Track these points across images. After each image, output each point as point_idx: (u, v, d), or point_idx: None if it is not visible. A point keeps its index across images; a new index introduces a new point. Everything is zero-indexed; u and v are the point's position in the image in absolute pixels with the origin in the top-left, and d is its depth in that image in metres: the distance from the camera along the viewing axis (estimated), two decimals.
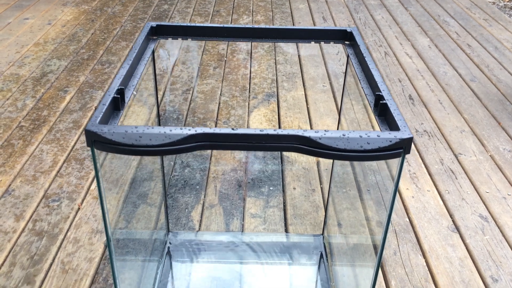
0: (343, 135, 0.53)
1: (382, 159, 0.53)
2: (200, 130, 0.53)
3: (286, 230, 1.22)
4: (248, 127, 1.67)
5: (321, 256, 1.08)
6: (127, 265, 0.94)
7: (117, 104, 0.59)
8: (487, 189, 1.38)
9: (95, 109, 0.58)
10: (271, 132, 0.53)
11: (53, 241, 1.15)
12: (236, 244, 1.06)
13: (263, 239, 1.07)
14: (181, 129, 0.53)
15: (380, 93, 0.61)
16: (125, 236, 1.00)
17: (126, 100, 0.62)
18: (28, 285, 1.03)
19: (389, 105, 0.59)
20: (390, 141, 0.52)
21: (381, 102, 0.59)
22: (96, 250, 1.14)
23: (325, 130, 0.53)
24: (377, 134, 0.53)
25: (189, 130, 0.53)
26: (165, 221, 1.14)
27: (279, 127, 1.67)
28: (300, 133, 0.53)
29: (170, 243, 1.08)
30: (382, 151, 0.53)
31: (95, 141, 0.53)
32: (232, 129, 0.53)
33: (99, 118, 0.54)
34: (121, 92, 0.60)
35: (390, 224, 1.30)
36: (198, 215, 1.27)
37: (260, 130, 0.53)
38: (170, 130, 0.53)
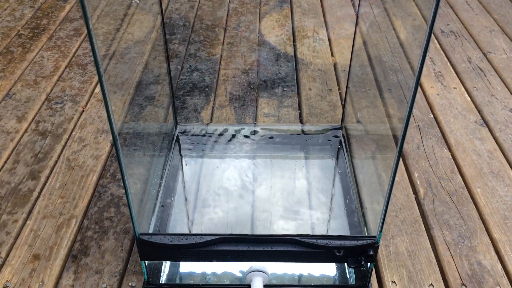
0: None
1: None
2: None
3: None
4: (259, 33, 1.56)
5: (340, 147, 1.01)
6: (135, 160, 0.89)
7: None
8: None
9: None
10: None
11: (57, 140, 1.10)
12: (249, 136, 0.99)
13: (278, 130, 1.01)
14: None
15: None
16: (132, 132, 0.94)
17: None
18: (33, 180, 0.99)
19: None
20: None
21: None
22: (103, 149, 1.08)
23: None
24: None
25: None
26: (173, 115, 1.07)
27: (293, 33, 1.56)
28: None
29: (178, 136, 1.02)
30: None
31: None
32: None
33: None
34: None
35: (413, 113, 1.21)
36: (208, 115, 1.20)
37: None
38: None
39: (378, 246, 0.70)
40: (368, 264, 0.74)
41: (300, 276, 0.80)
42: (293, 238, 0.69)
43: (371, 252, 0.69)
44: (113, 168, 1.04)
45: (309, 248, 0.69)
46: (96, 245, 0.86)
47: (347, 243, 0.69)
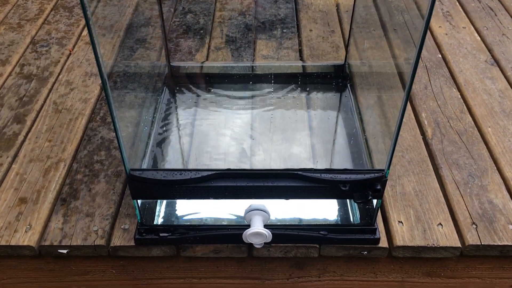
0: None
1: None
2: None
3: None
4: None
5: (343, 85, 0.95)
6: (126, 103, 0.83)
7: None
8: None
9: None
10: None
11: (43, 84, 1.04)
12: (247, 74, 0.93)
13: (278, 68, 0.94)
14: None
15: None
16: (122, 74, 0.87)
17: None
18: (18, 124, 0.94)
19: None
20: None
21: None
22: (92, 92, 1.02)
23: None
24: None
25: None
26: (166, 57, 1.01)
27: None
28: None
29: (171, 76, 0.95)
30: None
31: None
32: None
33: None
34: None
35: (421, 54, 1.15)
36: (203, 58, 1.13)
37: None
38: None
39: (386, 180, 0.65)
40: (375, 201, 0.70)
41: (302, 219, 0.76)
42: (295, 172, 0.64)
43: (378, 187, 0.64)
44: (103, 111, 0.98)
45: (312, 183, 0.64)
46: (86, 188, 0.81)
47: (353, 177, 0.64)
